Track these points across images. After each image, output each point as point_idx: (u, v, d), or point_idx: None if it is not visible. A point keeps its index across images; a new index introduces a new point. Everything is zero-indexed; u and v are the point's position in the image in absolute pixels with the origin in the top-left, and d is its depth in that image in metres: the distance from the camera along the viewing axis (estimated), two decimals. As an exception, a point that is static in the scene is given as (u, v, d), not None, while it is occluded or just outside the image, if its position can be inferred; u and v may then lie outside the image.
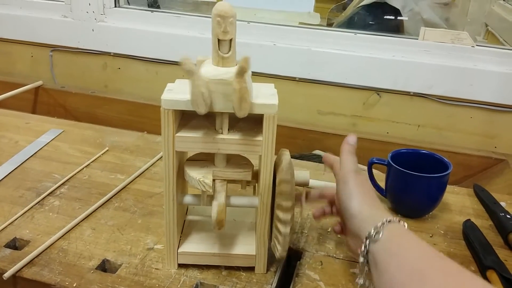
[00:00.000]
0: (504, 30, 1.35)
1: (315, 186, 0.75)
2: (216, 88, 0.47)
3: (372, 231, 0.43)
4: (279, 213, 0.51)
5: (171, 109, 0.49)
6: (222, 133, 0.51)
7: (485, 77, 0.95)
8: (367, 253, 0.43)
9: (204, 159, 0.54)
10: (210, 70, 0.47)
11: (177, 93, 0.49)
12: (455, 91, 0.98)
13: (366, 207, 0.46)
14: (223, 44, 0.46)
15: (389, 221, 0.43)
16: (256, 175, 0.54)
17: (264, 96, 0.49)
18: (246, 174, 0.53)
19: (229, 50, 0.47)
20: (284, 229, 0.51)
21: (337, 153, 1.04)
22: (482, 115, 0.98)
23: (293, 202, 0.51)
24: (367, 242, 0.43)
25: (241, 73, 0.44)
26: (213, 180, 0.53)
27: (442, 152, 0.72)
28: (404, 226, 0.44)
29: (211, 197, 0.53)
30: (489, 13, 1.56)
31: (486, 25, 1.54)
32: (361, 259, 0.44)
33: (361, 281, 0.46)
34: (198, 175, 0.51)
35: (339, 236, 0.64)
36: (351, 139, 0.53)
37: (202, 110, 0.47)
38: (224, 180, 0.53)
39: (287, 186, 0.50)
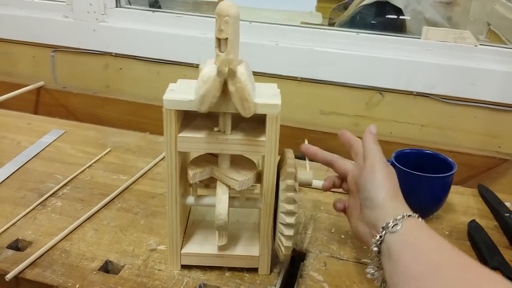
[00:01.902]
0: (507, 29, 1.34)
1: (318, 186, 0.75)
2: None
3: (391, 222, 0.43)
4: (284, 216, 0.50)
5: (173, 109, 0.48)
6: (225, 134, 0.50)
7: (488, 76, 0.95)
8: (380, 243, 0.43)
9: (209, 160, 0.54)
10: (212, 69, 0.47)
11: (179, 93, 0.49)
12: (458, 91, 0.97)
13: (389, 200, 0.46)
14: (222, 43, 0.46)
15: (409, 216, 0.43)
16: (259, 176, 0.54)
17: (266, 96, 0.49)
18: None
19: (225, 49, 0.47)
20: (289, 232, 0.51)
21: (339, 153, 1.03)
22: (486, 114, 0.98)
23: (298, 206, 0.51)
24: (384, 232, 0.43)
25: (230, 75, 0.44)
26: (217, 180, 0.53)
27: (446, 152, 0.72)
28: (423, 222, 0.44)
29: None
30: (491, 12, 1.55)
31: (488, 24, 1.53)
32: (375, 248, 0.44)
33: (371, 270, 0.46)
34: (190, 166, 0.52)
35: (343, 236, 0.64)
36: (373, 128, 0.53)
37: (205, 108, 0.47)
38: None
39: (290, 188, 0.50)
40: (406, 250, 0.40)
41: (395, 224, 0.42)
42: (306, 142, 0.57)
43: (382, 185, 0.47)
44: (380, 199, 0.46)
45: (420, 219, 0.44)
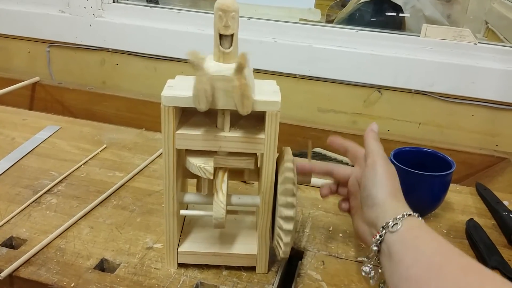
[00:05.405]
0: (505, 28, 1.34)
1: (316, 183, 0.74)
2: (218, 85, 0.46)
3: (391, 221, 0.42)
4: (283, 210, 0.50)
5: (172, 106, 0.48)
6: (223, 131, 0.50)
7: (487, 74, 0.95)
8: (380, 242, 0.43)
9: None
10: (212, 66, 0.46)
11: (177, 90, 0.48)
12: (456, 89, 0.97)
13: (390, 199, 0.46)
14: (225, 39, 0.46)
15: (409, 215, 0.43)
16: (258, 174, 0.53)
17: (266, 93, 0.48)
18: (249, 162, 0.51)
19: (231, 45, 0.46)
20: (288, 226, 0.50)
21: (336, 151, 1.02)
22: (484, 113, 0.98)
23: (297, 200, 0.50)
24: (384, 231, 0.42)
25: (239, 69, 0.43)
26: (215, 169, 0.51)
27: (444, 150, 0.71)
28: (423, 221, 0.43)
29: (211, 186, 0.52)
30: (489, 10, 1.55)
31: (486, 23, 1.53)
32: (374, 248, 0.43)
33: (367, 269, 0.46)
34: (199, 162, 0.50)
35: (341, 235, 0.63)
36: (375, 126, 0.53)
37: (203, 106, 0.46)
38: (226, 169, 0.52)
39: (290, 184, 0.49)
40: (407, 251, 0.40)
41: (395, 224, 0.42)
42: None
43: (383, 184, 0.47)
44: (380, 197, 0.46)
45: (420, 218, 0.44)
